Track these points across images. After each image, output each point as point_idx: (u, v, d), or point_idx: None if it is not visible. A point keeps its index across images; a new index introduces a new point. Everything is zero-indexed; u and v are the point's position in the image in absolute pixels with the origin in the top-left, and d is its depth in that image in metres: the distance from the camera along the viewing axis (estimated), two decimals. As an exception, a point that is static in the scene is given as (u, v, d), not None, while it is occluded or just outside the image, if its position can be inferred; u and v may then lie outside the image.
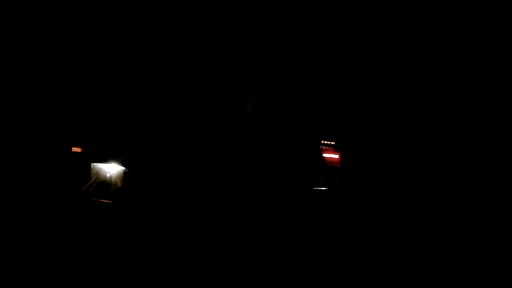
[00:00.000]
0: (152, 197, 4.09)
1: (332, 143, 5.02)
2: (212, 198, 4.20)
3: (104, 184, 4.04)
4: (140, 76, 4.52)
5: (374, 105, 5.17)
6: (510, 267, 3.62)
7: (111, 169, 4.04)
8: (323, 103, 5.04)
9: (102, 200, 3.90)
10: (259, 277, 3.15)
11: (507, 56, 4.75)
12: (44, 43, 4.33)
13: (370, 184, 5.12)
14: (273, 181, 4.50)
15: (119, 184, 4.08)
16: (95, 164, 4.03)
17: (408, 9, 4.72)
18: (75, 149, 3.97)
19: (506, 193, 4.87)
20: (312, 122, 4.93)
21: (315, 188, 4.72)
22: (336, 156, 5.03)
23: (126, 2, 4.45)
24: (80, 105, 4.38)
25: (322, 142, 4.96)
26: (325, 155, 4.91)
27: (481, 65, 4.85)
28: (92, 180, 4.00)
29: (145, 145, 4.27)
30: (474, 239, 4.25)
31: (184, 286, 2.96)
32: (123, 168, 4.08)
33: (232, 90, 4.67)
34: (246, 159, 4.47)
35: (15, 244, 3.26)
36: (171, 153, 4.31)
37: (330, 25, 4.73)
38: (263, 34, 4.74)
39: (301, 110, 4.88)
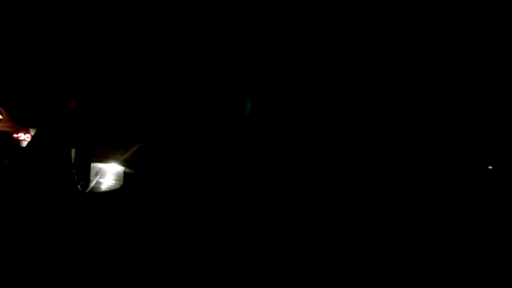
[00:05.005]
0: (151, 197, 4.09)
1: None
2: (212, 199, 4.20)
3: (104, 184, 4.04)
4: (139, 76, 4.52)
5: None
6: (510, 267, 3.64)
7: (111, 169, 4.03)
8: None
9: (101, 201, 3.90)
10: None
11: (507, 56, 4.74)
12: (43, 42, 4.32)
13: None
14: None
15: (119, 184, 4.07)
16: (95, 164, 4.02)
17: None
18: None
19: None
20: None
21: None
22: None
23: (124, 2, 4.44)
24: (80, 105, 4.37)
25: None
26: None
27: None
28: (92, 180, 3.99)
29: (144, 145, 4.27)
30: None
31: (184, 286, 2.97)
32: (123, 168, 4.07)
33: (230, 89, 4.65)
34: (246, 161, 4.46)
35: (15, 246, 3.26)
36: (171, 153, 4.31)
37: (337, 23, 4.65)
38: (260, 32, 4.71)
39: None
